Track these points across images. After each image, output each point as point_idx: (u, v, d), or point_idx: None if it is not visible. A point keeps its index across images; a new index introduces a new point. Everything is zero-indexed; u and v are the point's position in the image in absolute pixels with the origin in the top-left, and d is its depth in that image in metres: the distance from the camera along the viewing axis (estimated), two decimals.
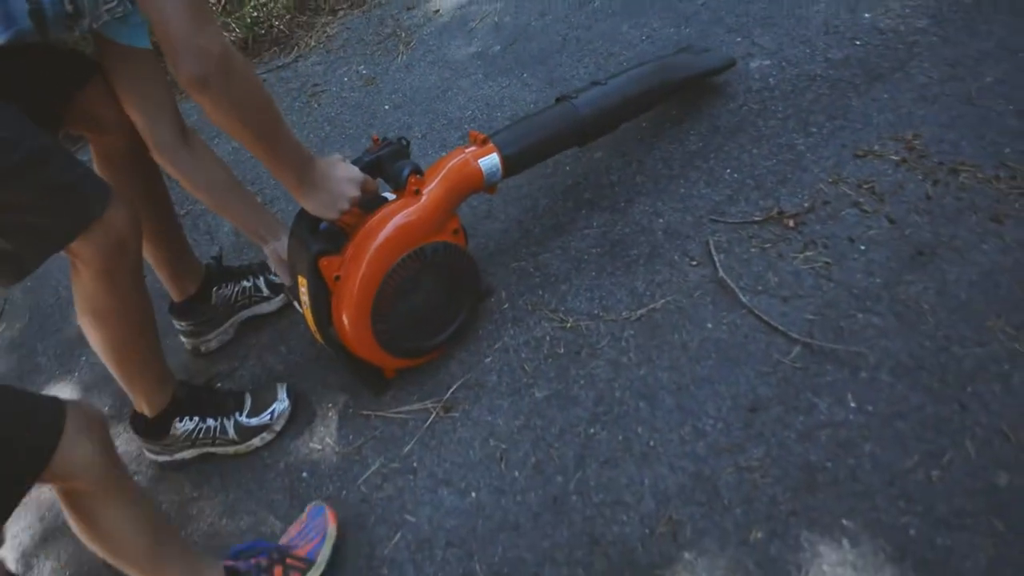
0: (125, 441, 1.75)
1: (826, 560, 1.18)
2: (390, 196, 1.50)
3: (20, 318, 2.24)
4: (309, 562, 1.35)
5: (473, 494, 1.42)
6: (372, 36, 2.70)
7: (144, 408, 1.56)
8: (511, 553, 1.32)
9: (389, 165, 1.48)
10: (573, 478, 1.38)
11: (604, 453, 1.40)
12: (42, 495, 1.72)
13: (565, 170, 1.91)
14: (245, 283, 1.85)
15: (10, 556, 1.64)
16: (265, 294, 1.86)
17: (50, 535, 1.65)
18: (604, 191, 1.83)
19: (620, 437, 1.41)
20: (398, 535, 1.40)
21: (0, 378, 2.06)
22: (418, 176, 1.46)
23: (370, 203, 1.46)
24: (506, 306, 1.68)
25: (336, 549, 1.38)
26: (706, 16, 2.19)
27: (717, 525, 1.26)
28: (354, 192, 1.40)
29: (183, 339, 1.84)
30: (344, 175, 1.39)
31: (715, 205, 1.70)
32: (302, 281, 1.43)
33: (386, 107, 2.36)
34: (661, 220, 1.72)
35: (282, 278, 1.67)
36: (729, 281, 1.55)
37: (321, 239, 1.41)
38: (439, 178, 1.50)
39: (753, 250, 1.59)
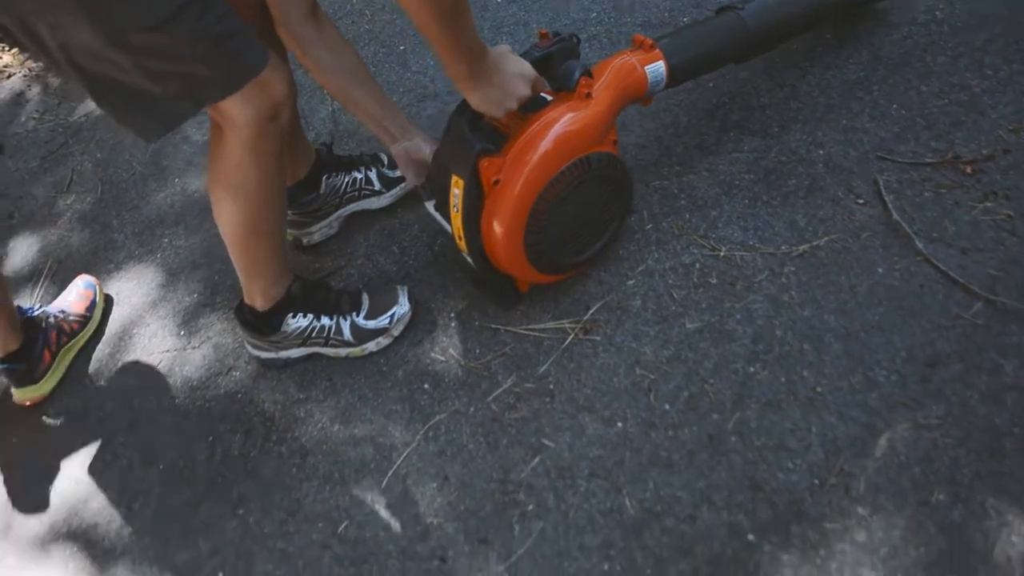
0: (219, 332, 1.67)
1: (1015, 530, 1.11)
2: (546, 97, 1.38)
3: (91, 191, 2.12)
4: None
5: (619, 424, 1.34)
6: None
7: (257, 300, 1.47)
8: (664, 491, 1.25)
9: (557, 63, 1.35)
10: (731, 417, 1.30)
11: (765, 394, 1.31)
12: (129, 382, 1.64)
13: (708, 87, 1.78)
14: (356, 174, 1.73)
15: (94, 444, 1.56)
16: (376, 188, 1.74)
17: (139, 423, 1.57)
18: (754, 113, 1.70)
19: (783, 379, 1.32)
20: (536, 460, 1.33)
21: (75, 251, 1.95)
22: (589, 79, 1.33)
23: (531, 103, 1.34)
24: (649, 227, 1.57)
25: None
26: None
27: (893, 482, 1.18)
28: (525, 90, 1.27)
29: None
30: (516, 70, 1.26)
31: (881, 141, 1.58)
32: (457, 182, 1.32)
33: (498, 0, 2.20)
34: (821, 151, 1.60)
35: (409, 180, 1.56)
36: (904, 224, 1.44)
37: (483, 137, 1.29)
38: (606, 82, 1.38)
39: (927, 194, 1.48)
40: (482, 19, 2.17)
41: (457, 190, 1.31)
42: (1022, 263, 1.36)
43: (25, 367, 1.63)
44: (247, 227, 1.35)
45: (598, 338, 1.44)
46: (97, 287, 1.78)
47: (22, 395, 1.65)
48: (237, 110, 1.16)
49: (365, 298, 1.55)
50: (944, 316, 1.33)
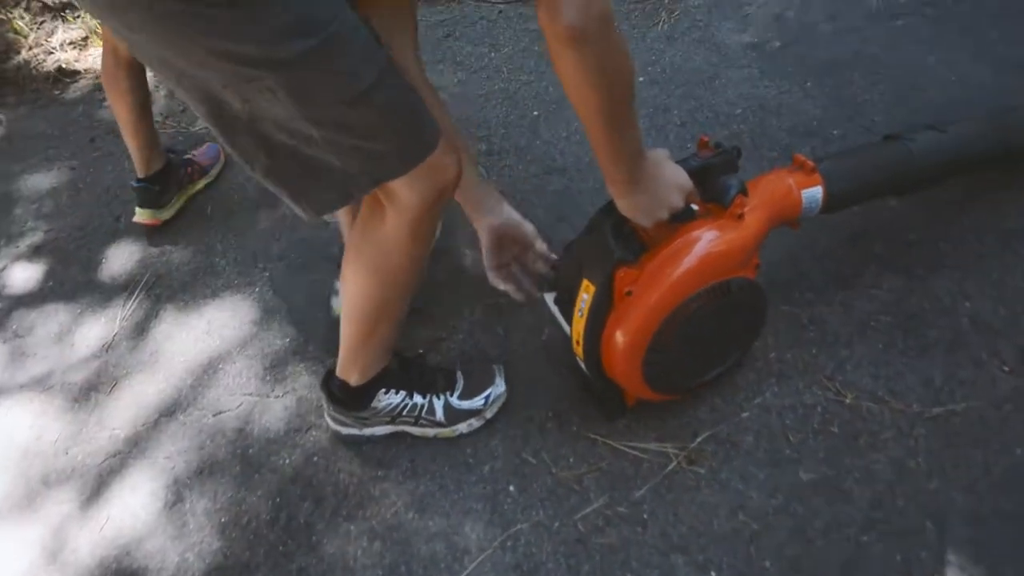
0: (305, 385, 1.62)
1: None
2: (694, 208, 1.29)
3: (202, 205, 2.10)
4: None
5: (712, 573, 1.24)
6: None
7: (353, 375, 1.40)
8: None
9: (715, 176, 1.26)
10: None
11: (877, 570, 1.20)
12: (205, 420, 1.60)
13: (852, 211, 1.66)
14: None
15: (160, 481, 1.52)
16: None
17: (208, 469, 1.53)
18: (899, 249, 1.59)
19: (898, 557, 1.21)
20: None
21: (175, 268, 1.94)
22: (744, 197, 1.25)
23: (680, 213, 1.26)
24: (772, 355, 1.47)
25: None
26: None
27: None
28: (678, 202, 1.19)
29: None
30: (673, 180, 1.19)
31: None
32: (588, 287, 1.24)
33: (641, 79, 2.13)
34: (968, 304, 1.48)
35: (490, 260, 1.46)
36: None
37: (623, 245, 1.21)
38: (760, 203, 1.29)
39: None
40: None
41: (587, 295, 1.24)
42: None
43: (158, 190, 1.98)
44: (378, 310, 1.30)
45: (702, 471, 1.34)
46: (223, 155, 2.19)
47: (144, 215, 1.98)
48: (407, 190, 1.12)
49: (460, 377, 1.49)
50: None
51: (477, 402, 1.46)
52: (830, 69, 2.02)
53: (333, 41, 0.95)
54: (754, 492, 1.31)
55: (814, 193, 1.34)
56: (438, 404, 1.45)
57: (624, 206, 1.18)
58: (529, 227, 1.46)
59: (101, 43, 2.21)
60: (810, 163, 1.35)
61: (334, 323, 1.46)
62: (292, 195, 1.13)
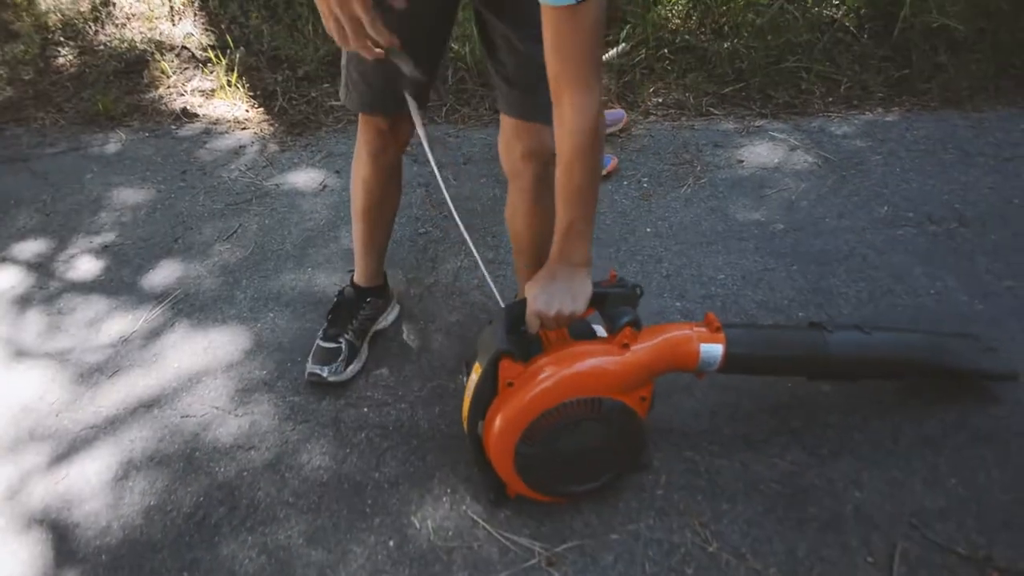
0: (263, 412, 1.82)
1: None
2: (601, 332, 1.46)
3: (244, 248, 2.39)
4: None
5: None
6: (670, 156, 2.69)
7: None
8: None
9: (612, 305, 1.43)
10: None
11: None
12: (172, 419, 1.82)
13: (786, 386, 1.79)
14: None
15: (117, 457, 1.74)
16: None
17: (157, 459, 1.74)
18: (815, 429, 1.69)
19: None
20: None
21: (203, 291, 2.21)
22: (634, 330, 1.41)
23: (581, 331, 1.42)
24: (660, 491, 1.58)
25: None
26: (1009, 302, 1.99)
27: None
28: (571, 313, 1.35)
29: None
30: (577, 290, 1.35)
31: (922, 510, 1.52)
32: (477, 368, 1.42)
33: (648, 230, 2.33)
34: (857, 494, 1.56)
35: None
36: None
37: (514, 341, 1.39)
38: (653, 343, 1.44)
39: None
40: (626, 242, 2.30)
41: (475, 375, 1.41)
42: None
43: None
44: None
45: (557, 574, 1.46)
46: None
47: None
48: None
49: None
50: None
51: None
52: (819, 259, 2.17)
53: None
54: None
55: (713, 349, 1.47)
56: None
57: (531, 287, 1.36)
58: None
59: (229, 96, 2.59)
60: (717, 323, 1.50)
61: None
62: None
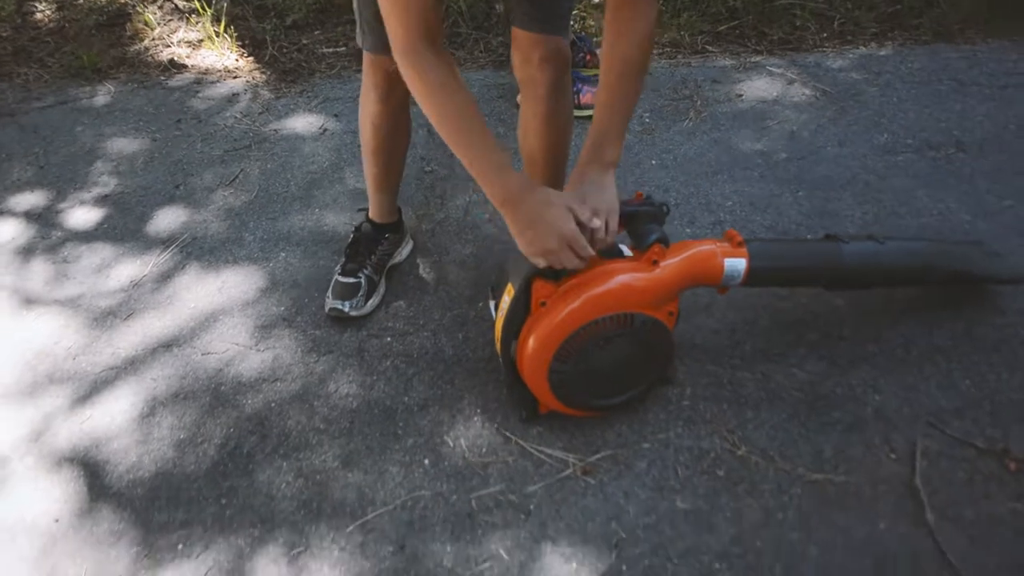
0: (284, 347, 1.83)
1: None
2: (627, 252, 1.48)
3: (248, 192, 2.38)
4: None
5: (573, 564, 1.37)
6: (669, 92, 2.70)
7: None
8: None
9: (640, 224, 1.46)
10: None
11: None
12: (194, 357, 1.82)
13: (800, 302, 1.83)
14: None
15: (140, 396, 1.74)
16: None
17: (183, 395, 1.75)
18: (831, 342, 1.73)
19: None
20: (485, 564, 1.38)
21: (210, 234, 2.20)
22: (662, 247, 1.43)
23: (608, 252, 1.44)
24: (686, 403, 1.62)
25: None
26: (1009, 219, 2.04)
27: None
28: (554, 246, 1.32)
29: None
30: (553, 224, 1.32)
31: (939, 410, 1.57)
32: (510, 290, 1.44)
33: (653, 162, 2.35)
34: (877, 397, 1.61)
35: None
36: (922, 491, 1.42)
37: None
38: (680, 258, 1.46)
39: (960, 474, 1.46)
40: (629, 173, 2.32)
41: (507, 297, 1.43)
42: None
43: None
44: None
45: (593, 481, 1.49)
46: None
47: None
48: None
49: None
50: None
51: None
52: (824, 185, 2.20)
53: None
54: (632, 508, 1.45)
55: (737, 264, 1.50)
56: None
57: (518, 241, 1.37)
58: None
59: (217, 46, 2.57)
60: (739, 238, 1.53)
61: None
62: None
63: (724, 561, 1.36)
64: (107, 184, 2.46)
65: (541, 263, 1.36)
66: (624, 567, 1.36)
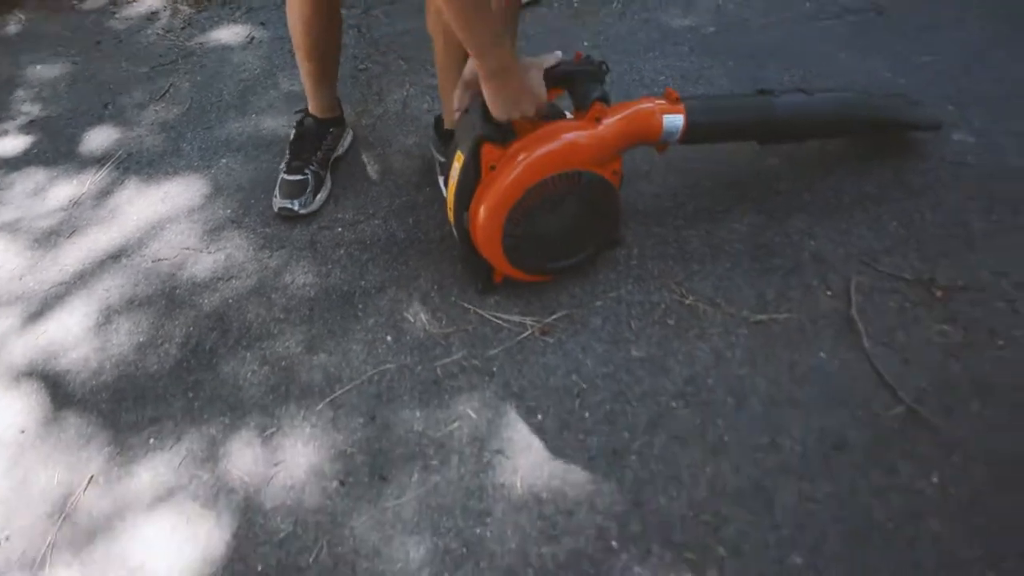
0: (236, 246, 1.84)
1: None
2: (569, 115, 1.51)
3: (180, 105, 2.35)
4: None
5: (539, 416, 1.44)
6: None
7: None
8: (555, 483, 1.34)
9: (580, 83, 1.48)
10: (639, 439, 1.38)
11: (677, 429, 1.40)
12: (144, 264, 1.82)
13: (736, 163, 1.89)
14: None
15: (94, 306, 1.74)
16: None
17: (137, 301, 1.75)
18: (768, 196, 1.80)
19: (698, 420, 1.41)
20: (455, 424, 1.44)
21: (146, 148, 2.17)
22: (603, 105, 1.47)
23: (548, 114, 1.47)
24: (634, 262, 1.68)
25: None
26: (928, 75, 2.11)
27: (760, 535, 1.25)
28: (529, 109, 1.41)
29: None
30: (530, 88, 1.41)
31: (870, 250, 1.66)
32: (459, 157, 1.46)
33: (585, 43, 2.37)
34: (813, 243, 1.69)
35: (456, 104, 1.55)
36: (858, 322, 1.52)
37: (491, 126, 1.43)
38: (622, 115, 1.50)
39: (891, 304, 1.55)
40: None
41: (457, 164, 1.46)
42: (956, 389, 1.41)
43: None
44: None
45: (551, 340, 1.55)
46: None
47: None
48: None
49: None
50: (864, 410, 1.39)
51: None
52: (752, 54, 2.25)
53: None
54: (590, 361, 1.51)
55: (675, 120, 1.55)
56: None
57: (487, 96, 1.40)
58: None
59: None
60: (676, 95, 1.57)
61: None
62: None
63: (680, 400, 1.44)
64: (31, 111, 2.39)
65: (504, 116, 1.39)
66: (587, 414, 1.43)
